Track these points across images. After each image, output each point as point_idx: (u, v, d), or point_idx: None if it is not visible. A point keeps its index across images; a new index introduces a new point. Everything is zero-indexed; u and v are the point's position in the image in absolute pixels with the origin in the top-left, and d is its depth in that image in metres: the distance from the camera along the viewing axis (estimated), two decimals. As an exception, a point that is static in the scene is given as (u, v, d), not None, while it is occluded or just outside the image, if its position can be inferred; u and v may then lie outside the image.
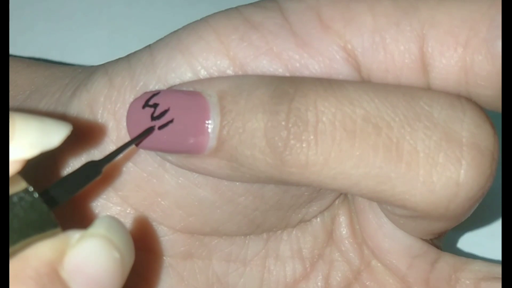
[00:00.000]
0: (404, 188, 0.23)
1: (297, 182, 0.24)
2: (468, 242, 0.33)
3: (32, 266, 0.21)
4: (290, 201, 0.27)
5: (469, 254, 0.33)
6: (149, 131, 0.24)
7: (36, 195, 0.21)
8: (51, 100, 0.27)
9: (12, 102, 0.28)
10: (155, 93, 0.24)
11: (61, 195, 0.22)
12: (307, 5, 0.24)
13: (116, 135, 0.25)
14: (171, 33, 0.25)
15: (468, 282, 0.27)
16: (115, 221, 0.22)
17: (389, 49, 0.23)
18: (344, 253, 0.28)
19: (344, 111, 0.23)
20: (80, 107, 0.25)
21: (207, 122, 0.23)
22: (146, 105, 0.24)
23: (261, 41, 0.24)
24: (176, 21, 0.27)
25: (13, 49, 0.35)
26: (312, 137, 0.23)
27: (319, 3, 0.24)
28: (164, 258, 0.27)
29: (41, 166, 0.25)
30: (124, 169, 0.26)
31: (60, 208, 0.22)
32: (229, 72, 0.24)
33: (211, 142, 0.23)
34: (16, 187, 0.21)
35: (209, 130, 0.23)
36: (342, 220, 0.28)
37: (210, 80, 0.24)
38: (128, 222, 0.26)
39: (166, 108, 0.24)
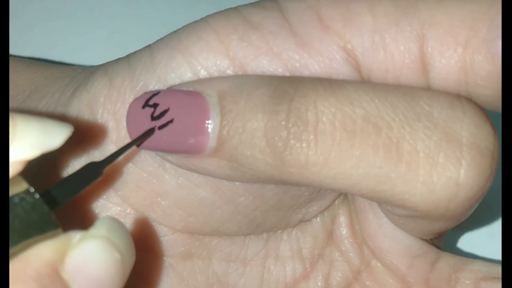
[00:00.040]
0: (404, 188, 0.23)
1: (297, 182, 0.24)
2: (468, 242, 0.33)
3: (33, 267, 0.21)
4: (290, 201, 0.27)
5: (469, 254, 0.33)
6: (150, 132, 0.24)
7: (37, 196, 0.21)
8: (51, 100, 0.27)
9: (12, 102, 0.28)
10: (155, 93, 0.24)
11: (62, 196, 0.22)
12: (307, 5, 0.24)
13: (116, 135, 0.25)
14: (171, 33, 0.25)
15: (468, 282, 0.27)
16: (116, 222, 0.22)
17: (389, 49, 0.23)
18: (344, 253, 0.28)
19: (344, 111, 0.23)
20: (80, 107, 0.25)
21: (207, 122, 0.23)
22: (146, 105, 0.24)
23: (261, 41, 0.24)
24: (176, 21, 0.27)
25: (13, 49, 0.35)
26: (312, 137, 0.23)
27: (319, 3, 0.24)
28: (164, 258, 0.27)
29: (42, 167, 0.25)
30: (124, 169, 0.26)
31: (61, 208, 0.22)
32: (229, 72, 0.24)
33: (211, 142, 0.23)
34: (17, 188, 0.21)
35: (209, 130, 0.23)
36: (342, 220, 0.28)
37: (210, 80, 0.24)
38: (128, 222, 0.26)
39: (166, 108, 0.24)
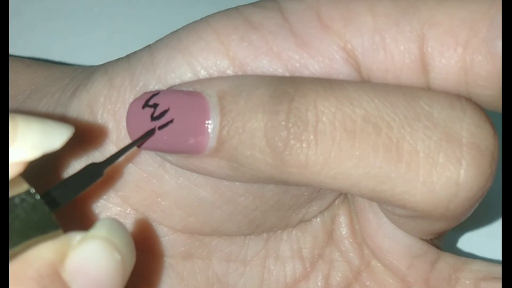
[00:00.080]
0: (404, 188, 0.23)
1: (297, 182, 0.24)
2: (468, 242, 0.33)
3: (34, 268, 0.21)
4: (290, 201, 0.27)
5: (469, 254, 0.33)
6: (150, 133, 0.24)
7: (37, 196, 0.21)
8: (51, 100, 0.27)
9: (12, 102, 0.28)
10: (155, 93, 0.24)
11: (63, 197, 0.22)
12: (307, 5, 0.24)
13: (116, 135, 0.25)
14: (171, 33, 0.25)
15: (468, 282, 0.27)
16: (116, 223, 0.22)
17: (389, 49, 0.23)
18: (344, 253, 0.28)
19: (344, 111, 0.23)
20: (80, 107, 0.25)
21: (207, 122, 0.23)
22: (146, 105, 0.24)
23: (261, 41, 0.24)
24: (176, 21, 0.27)
25: (13, 49, 0.35)
26: (312, 137, 0.23)
27: (319, 3, 0.24)
28: (164, 258, 0.27)
29: (43, 168, 0.25)
30: (124, 169, 0.26)
31: (61, 209, 0.22)
32: (229, 72, 0.24)
33: (211, 142, 0.23)
34: (18, 188, 0.21)
35: (209, 130, 0.23)
36: (342, 220, 0.28)
37: (210, 80, 0.24)
38: (128, 222, 0.26)
39: (166, 108, 0.24)
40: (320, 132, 0.23)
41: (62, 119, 0.26)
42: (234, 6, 0.25)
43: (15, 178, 0.21)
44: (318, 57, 0.24)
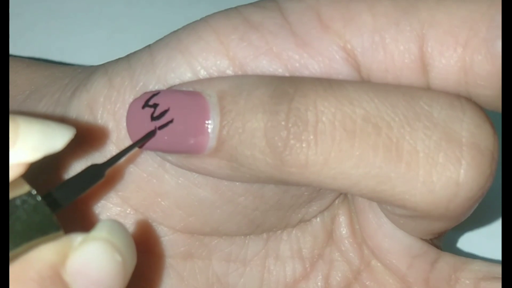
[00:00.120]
0: (404, 188, 0.23)
1: (297, 182, 0.24)
2: (468, 242, 0.33)
3: (35, 269, 0.21)
4: (290, 201, 0.27)
5: (469, 254, 0.33)
6: (151, 134, 0.24)
7: (39, 198, 0.21)
8: (50, 100, 0.27)
9: (11, 102, 0.28)
10: (155, 93, 0.24)
11: (64, 198, 0.22)
12: (306, 5, 0.24)
13: (116, 135, 0.25)
14: (171, 33, 0.25)
15: (468, 282, 0.27)
16: (117, 224, 0.22)
17: (389, 49, 0.23)
18: (344, 253, 0.28)
19: (344, 111, 0.23)
20: (80, 107, 0.25)
21: (207, 122, 0.23)
22: (146, 105, 0.24)
23: (260, 41, 0.24)
24: (176, 21, 0.27)
25: (13, 49, 0.35)
26: (312, 137, 0.23)
27: (318, 3, 0.24)
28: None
29: (44, 169, 0.25)
30: (124, 170, 0.26)
31: (62, 210, 0.22)
32: (229, 72, 0.24)
33: (211, 142, 0.23)
34: (19, 190, 0.21)
35: (209, 130, 0.23)
36: (342, 220, 0.28)
37: (210, 80, 0.24)
38: (128, 222, 0.26)
39: (166, 108, 0.24)
40: (320, 132, 0.23)
41: (63, 120, 0.26)
42: (234, 6, 0.25)
43: (16, 180, 0.21)
44: (318, 57, 0.24)
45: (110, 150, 0.25)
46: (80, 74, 0.27)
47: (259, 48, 0.24)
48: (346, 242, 0.28)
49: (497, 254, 0.32)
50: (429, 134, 0.23)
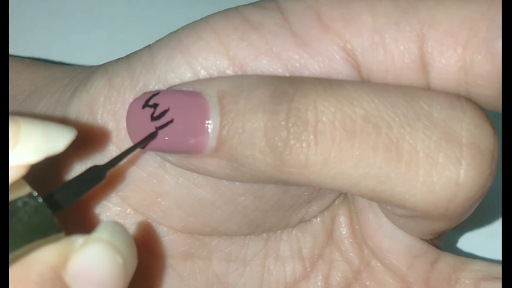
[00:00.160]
0: (404, 188, 0.23)
1: (297, 182, 0.24)
2: (468, 242, 0.33)
3: (36, 271, 0.21)
4: (290, 201, 0.27)
5: (469, 254, 0.33)
6: (153, 135, 0.24)
7: (40, 200, 0.21)
8: (50, 100, 0.27)
9: (11, 102, 0.28)
10: (155, 93, 0.24)
11: (65, 200, 0.22)
12: (306, 5, 0.24)
13: (116, 135, 0.25)
14: (171, 33, 0.25)
15: (468, 282, 0.27)
16: (118, 226, 0.22)
17: (389, 49, 0.23)
18: (344, 253, 0.28)
19: (344, 111, 0.23)
20: (80, 107, 0.25)
21: (207, 122, 0.23)
22: (146, 105, 0.24)
23: (260, 41, 0.24)
24: (176, 21, 0.27)
25: (13, 49, 0.35)
26: (312, 137, 0.23)
27: (318, 3, 0.24)
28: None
29: (45, 170, 0.25)
30: (125, 171, 0.26)
31: (62, 211, 0.22)
32: (229, 72, 0.24)
33: (211, 142, 0.23)
34: (20, 191, 0.21)
35: (209, 130, 0.23)
36: (342, 220, 0.28)
37: (210, 80, 0.24)
38: (128, 222, 0.26)
39: (166, 108, 0.24)
40: (320, 132, 0.23)
41: (63, 120, 0.26)
42: (234, 6, 0.25)
43: (17, 181, 0.21)
44: (318, 57, 0.24)
45: (110, 150, 0.25)
46: (80, 74, 0.27)
47: (259, 48, 0.24)
48: (346, 242, 0.28)
49: (497, 254, 0.32)
50: (429, 134, 0.23)
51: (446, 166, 0.23)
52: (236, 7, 0.25)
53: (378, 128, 0.23)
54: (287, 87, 0.23)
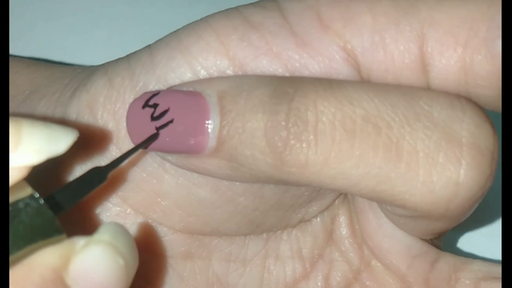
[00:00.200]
0: (404, 188, 0.23)
1: (297, 182, 0.24)
2: (468, 242, 0.33)
3: (37, 272, 0.21)
4: (290, 201, 0.27)
5: (469, 254, 0.33)
6: (154, 137, 0.24)
7: (41, 201, 0.21)
8: (50, 100, 0.27)
9: (11, 102, 0.28)
10: (155, 93, 0.24)
11: (66, 201, 0.22)
12: (306, 5, 0.24)
13: (116, 135, 0.25)
14: (171, 33, 0.25)
15: (468, 282, 0.27)
16: (120, 228, 0.22)
17: (389, 49, 0.23)
18: (344, 253, 0.28)
19: (344, 111, 0.23)
20: (80, 108, 0.25)
21: (207, 122, 0.23)
22: (146, 105, 0.24)
23: (260, 41, 0.24)
24: (176, 21, 0.27)
25: (13, 49, 0.35)
26: (312, 137, 0.23)
27: (318, 3, 0.24)
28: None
29: (46, 172, 0.25)
30: (126, 172, 0.26)
31: (63, 212, 0.22)
32: (229, 72, 0.24)
33: (211, 142, 0.23)
34: (22, 193, 0.21)
35: (209, 130, 0.23)
36: (342, 220, 0.28)
37: (210, 80, 0.24)
38: (128, 222, 0.26)
39: (166, 108, 0.24)
40: (320, 132, 0.23)
41: (63, 121, 0.26)
42: (234, 6, 0.25)
43: (19, 183, 0.21)
44: (318, 57, 0.24)
45: (110, 150, 0.25)
46: (80, 74, 0.27)
47: (259, 48, 0.24)
48: (346, 242, 0.28)
49: (497, 254, 0.32)
50: (429, 134, 0.23)
51: (446, 166, 0.23)
52: (236, 7, 0.25)
53: (378, 128, 0.23)
54: (287, 87, 0.23)
